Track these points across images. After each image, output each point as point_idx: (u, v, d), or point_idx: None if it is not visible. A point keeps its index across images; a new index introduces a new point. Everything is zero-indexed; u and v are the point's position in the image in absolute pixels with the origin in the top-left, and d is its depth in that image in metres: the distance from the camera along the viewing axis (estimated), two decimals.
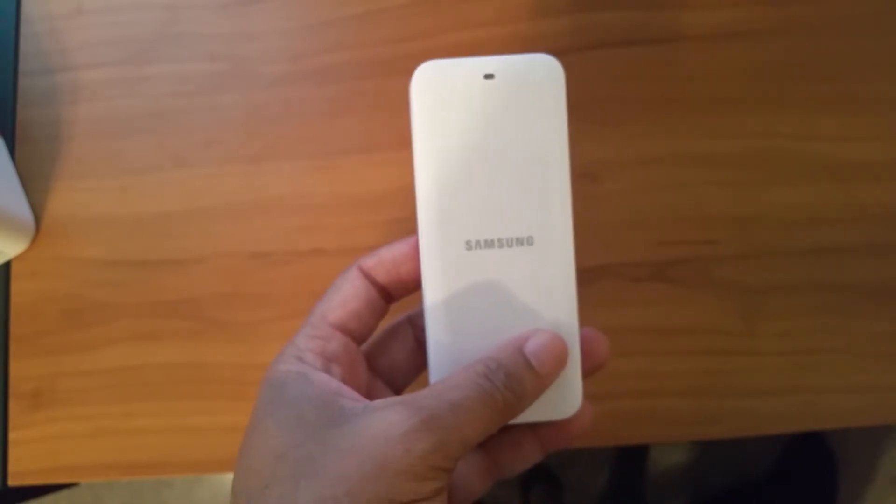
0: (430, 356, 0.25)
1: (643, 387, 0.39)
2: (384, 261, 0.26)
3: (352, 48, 0.43)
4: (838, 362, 0.39)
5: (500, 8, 0.43)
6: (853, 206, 0.41)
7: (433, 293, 0.25)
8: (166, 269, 0.42)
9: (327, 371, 0.24)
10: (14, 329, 0.42)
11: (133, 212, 0.43)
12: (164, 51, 0.44)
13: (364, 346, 0.27)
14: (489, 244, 0.25)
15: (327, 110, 0.43)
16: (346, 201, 0.42)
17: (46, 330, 0.42)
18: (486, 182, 0.25)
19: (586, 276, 0.40)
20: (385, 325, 0.28)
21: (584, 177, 0.41)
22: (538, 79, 0.25)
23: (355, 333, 0.26)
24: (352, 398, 0.23)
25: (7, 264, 0.43)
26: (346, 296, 0.25)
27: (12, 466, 0.41)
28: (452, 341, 0.25)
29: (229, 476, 1.03)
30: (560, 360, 0.24)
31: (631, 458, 0.97)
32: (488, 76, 0.25)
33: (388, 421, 0.21)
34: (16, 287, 0.43)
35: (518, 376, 0.23)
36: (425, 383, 0.24)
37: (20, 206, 0.42)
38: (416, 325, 0.28)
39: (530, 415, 0.24)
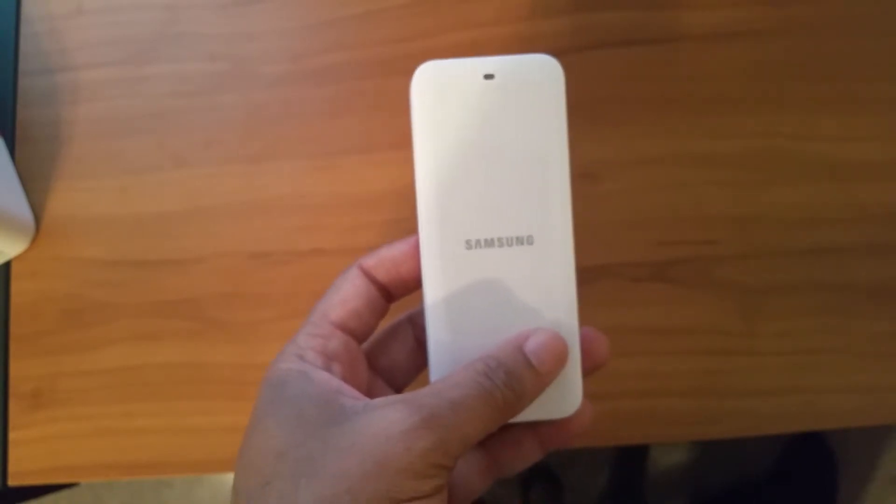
0: (431, 355, 0.25)
1: (643, 387, 0.39)
2: (384, 260, 0.26)
3: (352, 48, 0.43)
4: (838, 362, 0.39)
5: (500, 8, 0.43)
6: (853, 206, 0.41)
7: (433, 292, 0.25)
8: (166, 269, 0.42)
9: (328, 370, 0.24)
10: (14, 329, 0.42)
11: (133, 212, 0.43)
12: (164, 51, 0.44)
13: (365, 345, 0.27)
14: (489, 243, 0.25)
15: (327, 110, 0.43)
16: (346, 201, 0.42)
17: (46, 330, 0.42)
18: (485, 181, 0.25)
19: (586, 276, 0.40)
20: (385, 324, 0.28)
21: (584, 177, 0.41)
22: (538, 79, 0.25)
23: (356, 332, 0.26)
24: (352, 397, 0.23)
25: (7, 264, 0.43)
26: (347, 295, 0.25)
27: (12, 466, 0.41)
28: (452, 340, 0.25)
29: (229, 476, 1.03)
30: (560, 359, 0.24)
31: (631, 458, 0.97)
32: (488, 76, 0.25)
33: (388, 419, 0.21)
34: (16, 287, 0.43)
35: (518, 375, 0.23)
36: (426, 382, 0.24)
37: (20, 206, 0.42)
38: (416, 324, 0.28)
39: (530, 413, 0.24)
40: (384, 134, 0.42)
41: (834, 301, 0.40)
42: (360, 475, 0.20)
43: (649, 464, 0.97)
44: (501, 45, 0.43)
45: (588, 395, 0.26)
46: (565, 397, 0.25)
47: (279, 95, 0.43)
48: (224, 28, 0.44)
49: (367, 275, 0.26)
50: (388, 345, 0.28)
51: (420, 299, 0.25)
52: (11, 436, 0.41)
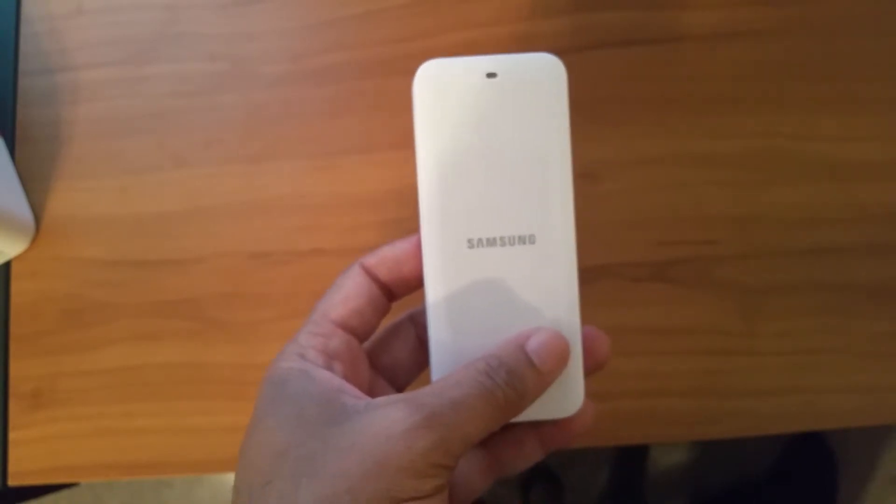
0: (432, 354, 0.25)
1: (643, 387, 0.39)
2: (386, 259, 0.26)
3: (352, 48, 0.43)
4: (838, 362, 0.39)
5: (500, 8, 0.43)
6: (853, 206, 0.41)
7: (435, 291, 0.25)
8: (166, 269, 0.42)
9: (329, 368, 0.24)
10: (14, 329, 0.42)
11: (133, 212, 0.43)
12: (164, 51, 0.44)
13: (366, 344, 0.27)
14: (491, 242, 0.25)
15: (327, 110, 0.43)
16: (346, 201, 0.42)
17: (46, 330, 0.42)
18: (487, 180, 0.25)
19: (586, 276, 0.40)
20: (387, 323, 0.28)
21: (584, 177, 0.41)
22: (540, 78, 0.25)
23: (357, 331, 0.26)
24: (354, 396, 0.23)
25: (7, 264, 0.43)
26: (349, 294, 0.25)
27: (12, 466, 0.41)
28: (454, 339, 0.25)
29: (229, 476, 1.03)
30: (562, 359, 0.24)
31: (631, 458, 0.97)
32: (491, 75, 0.25)
33: (389, 418, 0.21)
34: (16, 287, 0.43)
35: (520, 374, 0.23)
36: (427, 381, 0.24)
37: (20, 206, 0.42)
38: (417, 323, 0.28)
39: (532, 413, 0.24)
40: (384, 134, 0.42)
41: (834, 301, 0.40)
42: (360, 474, 0.20)
43: (649, 464, 0.97)
44: (501, 45, 0.43)
45: (588, 394, 0.26)
46: (567, 397, 0.25)
47: (279, 95, 0.43)
48: (224, 28, 0.44)
49: (369, 273, 0.26)
50: (389, 344, 0.28)
51: (422, 298, 0.25)
52: (11, 436, 0.41)
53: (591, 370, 0.26)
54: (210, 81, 0.44)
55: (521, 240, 0.25)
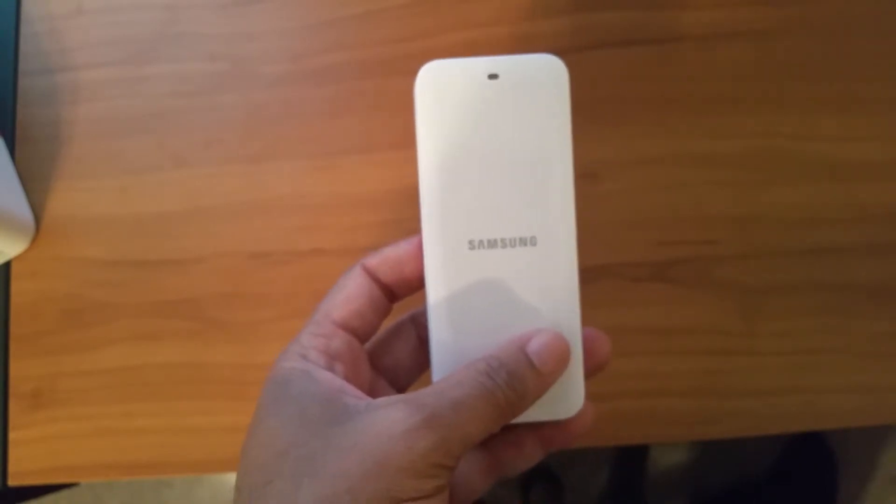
0: (433, 355, 0.25)
1: (643, 387, 0.39)
2: (388, 260, 0.26)
3: (352, 48, 0.43)
4: (838, 362, 0.39)
5: (500, 8, 0.43)
6: (853, 206, 0.41)
7: (436, 292, 0.25)
8: (166, 269, 0.42)
9: (331, 369, 0.24)
10: (14, 329, 0.42)
11: (133, 212, 0.43)
12: (164, 51, 0.44)
13: (367, 345, 0.27)
14: (492, 244, 0.25)
15: (327, 110, 0.43)
16: (346, 201, 0.42)
17: (46, 330, 0.42)
18: (489, 182, 0.25)
19: (586, 276, 0.40)
20: (388, 323, 0.28)
21: (584, 177, 0.41)
22: (542, 79, 0.25)
23: (359, 332, 0.26)
24: (355, 396, 0.23)
25: (7, 264, 0.43)
26: (350, 294, 0.25)
27: (12, 466, 0.41)
28: (455, 340, 0.25)
29: (229, 476, 1.03)
30: (562, 360, 0.24)
31: (631, 458, 0.97)
32: (492, 76, 0.25)
33: (390, 419, 0.21)
34: (16, 287, 0.43)
35: (520, 375, 0.23)
36: (428, 382, 0.24)
37: (20, 206, 0.42)
38: (419, 324, 0.28)
39: (532, 414, 0.24)
40: (384, 134, 0.42)
41: (834, 301, 0.40)
42: (360, 474, 0.20)
43: (649, 464, 0.97)
44: (501, 45, 0.43)
45: (588, 395, 0.26)
46: (567, 398, 0.25)
47: (279, 95, 0.43)
48: (224, 28, 0.44)
49: (370, 274, 0.26)
50: (390, 344, 0.28)
51: (423, 299, 0.25)
52: (11, 436, 0.41)
53: (591, 371, 0.26)
54: (210, 81, 0.44)
55: (522, 241, 0.25)
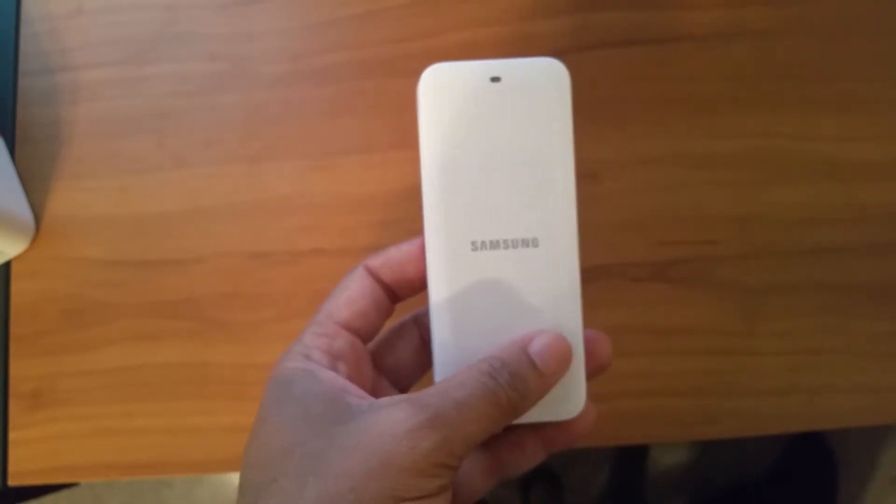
0: (435, 355, 0.25)
1: (643, 387, 0.39)
2: (391, 260, 0.26)
3: (352, 48, 0.43)
4: (838, 362, 0.39)
5: (500, 8, 0.43)
6: (853, 206, 0.41)
7: (438, 293, 0.25)
8: (166, 269, 0.42)
9: (333, 369, 0.24)
10: (14, 329, 0.42)
11: (133, 212, 0.43)
12: (164, 51, 0.44)
13: (370, 345, 0.27)
14: (494, 245, 0.25)
15: (327, 110, 0.43)
16: (346, 201, 0.42)
17: (46, 330, 0.42)
18: (491, 183, 0.25)
19: (586, 276, 0.39)
20: (391, 324, 0.28)
21: (584, 177, 0.41)
22: (544, 82, 0.25)
23: (361, 332, 0.26)
24: (358, 396, 0.23)
25: (7, 264, 0.43)
26: (353, 295, 0.26)
27: (12, 466, 0.41)
28: (457, 341, 0.25)
29: (229, 476, 1.03)
30: (564, 361, 0.24)
31: (631, 458, 0.97)
32: (494, 79, 0.25)
33: (393, 418, 0.21)
34: (16, 287, 0.43)
35: (522, 376, 0.23)
36: (430, 383, 0.24)
37: (20, 206, 0.42)
38: (421, 325, 0.28)
39: (534, 415, 0.24)
40: (384, 134, 0.42)
41: (834, 301, 0.40)
42: (364, 473, 0.20)
43: (649, 464, 0.97)
44: (501, 45, 0.43)
45: (588, 395, 0.26)
46: (569, 399, 0.25)
47: (279, 95, 0.43)
48: (224, 28, 0.44)
49: (373, 275, 0.26)
50: (393, 345, 0.28)
51: (425, 300, 0.25)
52: (11, 436, 0.41)
53: (593, 373, 0.26)
54: (210, 81, 0.44)
55: (524, 243, 0.25)
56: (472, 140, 0.25)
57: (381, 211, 0.42)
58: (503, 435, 0.26)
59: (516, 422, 0.24)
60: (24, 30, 0.45)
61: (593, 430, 0.27)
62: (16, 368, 0.42)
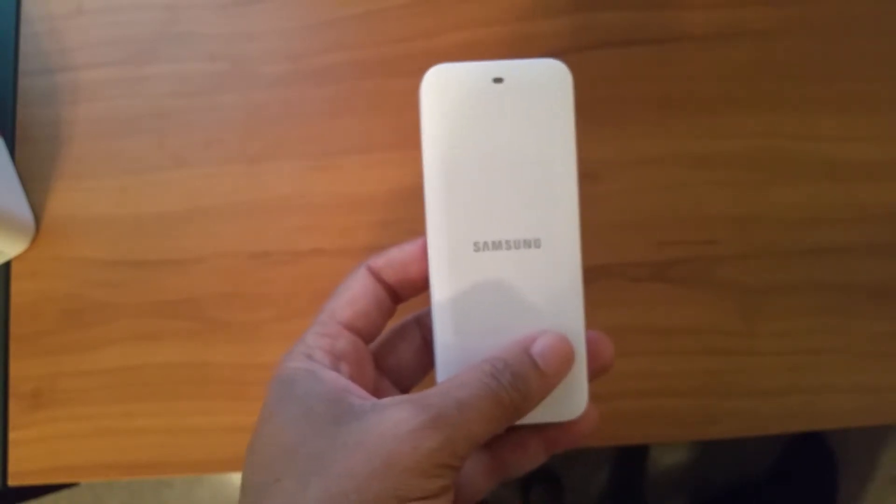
0: (438, 356, 0.25)
1: (643, 387, 0.39)
2: (393, 261, 0.26)
3: (352, 48, 0.43)
4: (838, 362, 0.39)
5: (500, 8, 0.43)
6: (853, 206, 0.41)
7: (441, 293, 0.25)
8: (166, 269, 0.42)
9: (336, 369, 0.24)
10: (14, 329, 0.42)
11: (133, 212, 0.43)
12: (164, 51, 0.44)
13: (372, 346, 0.27)
14: (497, 245, 0.25)
15: (327, 110, 0.43)
16: (346, 201, 0.42)
17: (46, 330, 0.42)
18: (493, 184, 0.25)
19: (586, 276, 0.39)
20: (392, 324, 0.28)
21: (584, 177, 0.41)
22: (547, 83, 0.25)
23: (363, 332, 0.26)
24: (360, 396, 0.23)
25: (7, 264, 0.43)
26: (355, 295, 0.26)
27: (12, 466, 0.41)
28: (459, 341, 0.25)
29: (229, 476, 1.03)
30: (566, 362, 0.24)
31: (631, 458, 0.97)
32: (497, 80, 0.25)
33: (395, 419, 0.21)
34: (16, 287, 0.43)
35: (524, 376, 0.23)
36: (432, 383, 0.24)
37: (20, 206, 0.42)
38: (423, 325, 0.28)
39: (536, 416, 0.24)
40: (384, 134, 0.42)
41: (834, 301, 0.40)
42: (367, 474, 0.20)
43: (649, 464, 0.97)
44: (502, 45, 0.43)
45: (590, 396, 0.26)
46: (571, 400, 0.25)
47: (279, 95, 0.43)
48: (224, 28, 0.44)
49: (376, 275, 0.26)
50: (395, 345, 0.28)
51: (427, 300, 0.25)
52: (11, 436, 0.41)
53: (595, 374, 0.26)
54: (210, 81, 0.44)
55: (527, 243, 0.25)
56: (474, 141, 0.25)
57: (381, 211, 0.42)
58: (505, 436, 0.26)
59: (519, 422, 0.24)
60: (24, 30, 0.45)
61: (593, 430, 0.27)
62: (16, 368, 0.42)
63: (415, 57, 0.43)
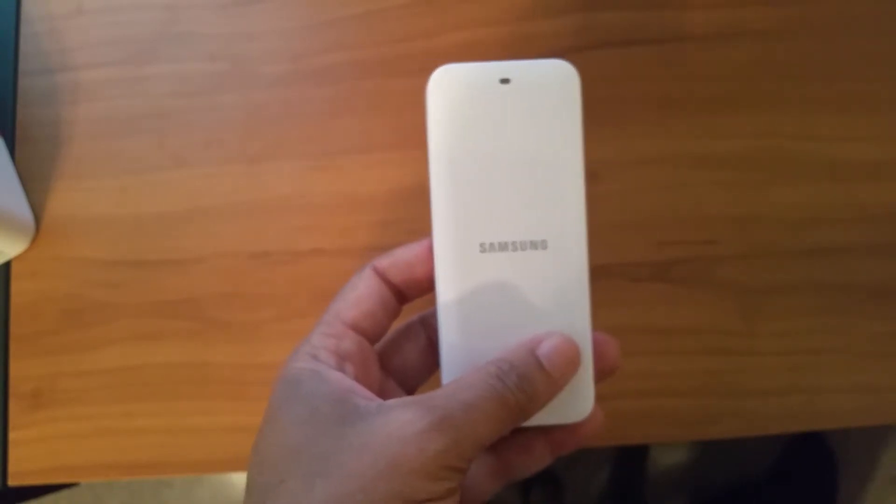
0: (443, 357, 0.25)
1: (643, 387, 0.39)
2: (399, 261, 0.26)
3: (352, 48, 0.43)
4: (838, 362, 0.39)
5: (501, 8, 0.43)
6: (853, 206, 0.41)
7: (446, 294, 0.25)
8: (166, 269, 0.42)
9: (341, 369, 0.24)
10: (14, 329, 0.42)
11: (133, 212, 0.43)
12: (164, 51, 0.44)
13: (377, 346, 0.27)
14: (503, 247, 0.25)
15: (327, 110, 0.43)
16: (346, 201, 0.42)
17: (46, 330, 0.42)
18: (500, 185, 0.25)
19: None
20: (397, 325, 0.28)
21: (585, 177, 0.41)
22: (554, 84, 0.25)
23: (369, 333, 0.26)
24: (365, 397, 0.23)
25: (7, 264, 0.43)
26: (361, 295, 0.26)
27: (12, 466, 0.41)
28: (465, 342, 0.25)
29: (229, 476, 1.03)
30: (572, 364, 0.24)
31: (631, 458, 0.97)
32: (504, 80, 0.25)
33: (401, 420, 0.21)
34: (16, 287, 0.43)
35: (530, 378, 0.23)
36: (437, 384, 0.24)
37: (20, 206, 0.42)
38: (428, 326, 0.28)
39: (542, 418, 0.24)
40: (384, 134, 0.42)
41: (834, 301, 0.40)
42: (373, 475, 0.20)
43: (649, 464, 0.97)
44: (502, 45, 0.43)
45: (596, 397, 0.26)
46: (577, 402, 0.25)
47: (279, 95, 0.43)
48: (224, 28, 0.44)
49: (381, 276, 0.26)
50: (400, 346, 0.28)
51: (433, 301, 0.25)
52: (11, 436, 0.41)
53: (601, 376, 0.26)
54: (210, 81, 0.44)
55: (533, 245, 0.25)
56: (480, 141, 0.25)
57: (381, 211, 0.42)
58: (510, 437, 0.26)
59: (524, 424, 0.24)
60: (24, 30, 0.45)
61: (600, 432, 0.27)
62: (16, 368, 0.42)
63: (415, 57, 0.43)
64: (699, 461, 0.97)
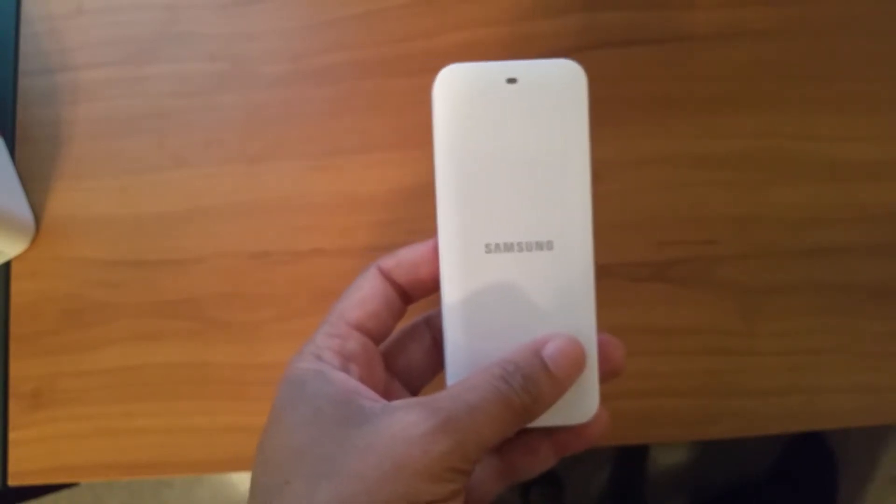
0: (448, 358, 0.25)
1: (643, 387, 0.39)
2: (403, 262, 0.26)
3: (352, 48, 0.43)
4: (838, 362, 0.39)
5: (501, 8, 0.43)
6: (853, 206, 0.41)
7: (451, 295, 0.25)
8: (166, 269, 0.42)
9: (345, 370, 0.24)
10: (14, 329, 0.42)
11: (133, 212, 0.43)
12: (164, 51, 0.44)
13: (382, 347, 0.27)
14: (508, 248, 0.25)
15: (327, 110, 0.43)
16: (346, 201, 0.42)
17: (46, 330, 0.42)
18: (506, 186, 0.25)
19: None
20: (402, 325, 0.28)
21: None
22: (561, 84, 0.25)
23: (373, 333, 0.26)
24: (369, 398, 0.23)
25: (7, 264, 0.43)
26: (365, 296, 0.26)
27: (12, 466, 0.41)
28: (470, 343, 0.25)
29: (229, 476, 1.03)
30: (577, 365, 0.24)
31: (631, 458, 0.97)
32: (511, 80, 0.25)
33: (406, 422, 0.21)
34: (16, 287, 0.43)
35: (535, 379, 0.23)
36: (442, 384, 0.24)
37: (20, 206, 0.42)
38: (433, 326, 0.28)
39: (547, 419, 0.24)
40: (384, 134, 0.42)
41: (834, 301, 0.40)
42: (377, 477, 0.20)
43: (649, 464, 0.97)
44: (502, 45, 0.43)
45: (600, 399, 0.26)
46: (582, 403, 0.25)
47: (279, 95, 0.43)
48: (224, 28, 0.44)
49: (386, 276, 0.26)
50: (404, 346, 0.28)
51: (437, 302, 0.25)
52: (11, 436, 0.41)
53: (605, 377, 0.26)
54: (210, 81, 0.44)
55: (539, 246, 0.25)
56: (487, 141, 0.25)
57: (381, 211, 0.42)
58: (515, 439, 0.26)
59: (529, 426, 0.24)
60: (24, 30, 0.45)
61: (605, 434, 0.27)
62: (16, 368, 0.42)
63: (415, 57, 0.43)
64: (699, 461, 0.97)
